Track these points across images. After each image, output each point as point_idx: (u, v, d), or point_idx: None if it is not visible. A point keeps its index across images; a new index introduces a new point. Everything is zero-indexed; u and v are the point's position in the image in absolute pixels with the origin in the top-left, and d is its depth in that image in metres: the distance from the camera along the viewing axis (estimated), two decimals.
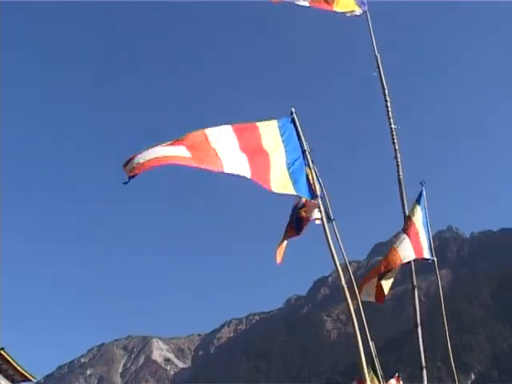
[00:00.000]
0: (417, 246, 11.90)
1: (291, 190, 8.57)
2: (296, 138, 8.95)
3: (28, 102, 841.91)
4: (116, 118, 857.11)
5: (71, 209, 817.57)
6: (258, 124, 8.61)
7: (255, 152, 8.32)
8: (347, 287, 8.32)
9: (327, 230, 8.67)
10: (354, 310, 8.05)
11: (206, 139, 7.93)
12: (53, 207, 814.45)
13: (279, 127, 8.81)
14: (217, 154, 7.86)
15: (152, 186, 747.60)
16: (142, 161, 7.47)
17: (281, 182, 8.47)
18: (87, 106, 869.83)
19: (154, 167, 7.54)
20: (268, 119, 8.87)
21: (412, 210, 12.04)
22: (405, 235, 11.87)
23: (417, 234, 11.93)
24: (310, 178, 8.94)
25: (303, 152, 8.92)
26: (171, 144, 7.72)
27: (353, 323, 7.73)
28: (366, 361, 7.61)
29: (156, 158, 7.54)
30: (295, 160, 8.80)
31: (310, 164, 8.93)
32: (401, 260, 11.76)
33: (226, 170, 7.86)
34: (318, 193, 8.95)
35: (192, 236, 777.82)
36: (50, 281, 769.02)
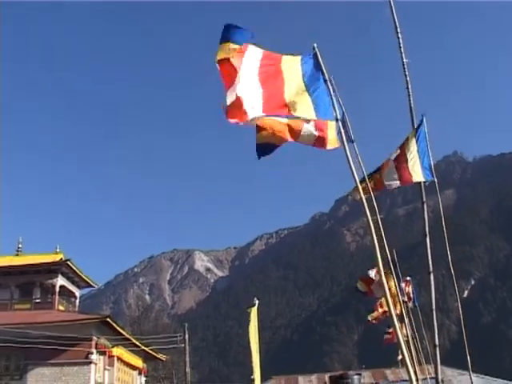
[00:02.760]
0: (404, 174, 12.08)
1: (311, 116, 8.50)
2: (317, 69, 8.79)
3: None
4: None
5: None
6: (284, 57, 8.48)
7: (272, 77, 8.24)
8: (367, 202, 8.42)
9: (348, 150, 8.66)
10: (374, 223, 8.21)
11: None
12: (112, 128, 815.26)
13: (301, 60, 8.69)
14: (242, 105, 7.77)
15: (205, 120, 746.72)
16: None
17: (300, 105, 8.40)
18: None
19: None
20: (293, 54, 8.75)
21: (407, 142, 12.13)
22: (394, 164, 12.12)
23: (405, 161, 12.03)
24: (332, 103, 8.82)
25: (325, 81, 8.78)
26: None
27: (370, 231, 7.91)
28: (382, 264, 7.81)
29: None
30: (317, 88, 8.65)
31: (331, 91, 8.82)
32: (383, 186, 12.12)
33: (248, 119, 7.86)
34: (339, 117, 8.87)
35: (226, 157, 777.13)
36: (108, 201, 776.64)
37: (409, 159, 11.90)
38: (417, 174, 11.94)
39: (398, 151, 12.02)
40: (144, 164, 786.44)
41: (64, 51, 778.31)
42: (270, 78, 8.26)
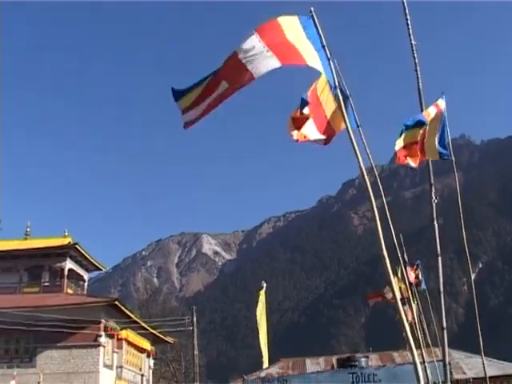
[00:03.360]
0: (420, 153, 11.88)
1: (321, 68, 8.23)
2: (316, 33, 8.50)
3: None
4: None
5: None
6: (280, 20, 8.09)
7: (281, 45, 7.89)
8: (371, 187, 8.31)
9: (350, 130, 8.42)
10: (379, 208, 8.13)
11: (237, 57, 7.67)
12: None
13: (301, 22, 8.37)
14: (247, 69, 7.62)
15: None
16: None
17: (314, 58, 8.20)
18: None
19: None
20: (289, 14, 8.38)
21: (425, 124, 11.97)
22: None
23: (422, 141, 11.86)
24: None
25: (323, 47, 8.48)
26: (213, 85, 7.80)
27: (374, 218, 7.86)
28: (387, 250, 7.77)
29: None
30: (318, 50, 8.39)
31: (329, 58, 8.54)
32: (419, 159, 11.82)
33: (257, 76, 7.63)
34: (337, 84, 8.64)
35: (232, 138, 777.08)
36: (116, 185, 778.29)
37: (426, 138, 11.78)
38: (431, 152, 11.82)
39: (420, 131, 11.81)
40: (150, 149, 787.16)
41: None
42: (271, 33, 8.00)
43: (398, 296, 7.76)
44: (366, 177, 8.30)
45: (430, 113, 11.77)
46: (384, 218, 7.90)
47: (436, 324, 11.66)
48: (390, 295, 21.83)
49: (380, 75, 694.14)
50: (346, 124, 8.43)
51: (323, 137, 8.61)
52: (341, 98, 8.53)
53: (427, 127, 11.65)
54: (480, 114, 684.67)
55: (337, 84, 8.66)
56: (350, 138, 8.39)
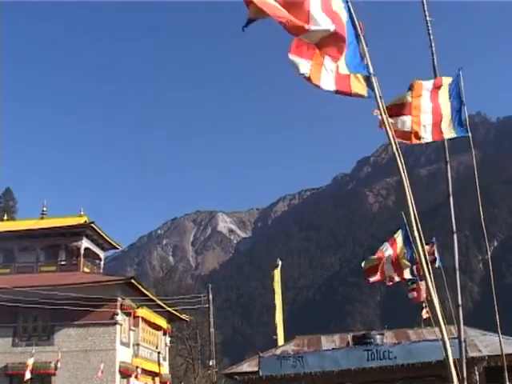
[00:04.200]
0: (435, 130, 11.74)
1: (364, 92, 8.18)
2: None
3: None
4: None
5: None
6: None
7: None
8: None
9: (381, 104, 8.23)
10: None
11: None
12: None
13: None
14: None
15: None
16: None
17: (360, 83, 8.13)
18: None
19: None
20: None
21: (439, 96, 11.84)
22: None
23: (439, 117, 11.73)
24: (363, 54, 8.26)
25: (353, 26, 8.15)
26: None
27: (404, 186, 7.75)
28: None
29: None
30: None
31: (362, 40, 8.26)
32: (418, 138, 11.68)
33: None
34: (371, 69, 8.32)
35: (248, 116, 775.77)
36: (132, 164, 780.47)
37: (443, 115, 11.67)
38: (448, 130, 11.73)
39: (431, 103, 11.69)
40: (167, 126, 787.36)
41: None
42: None
43: (428, 273, 7.70)
44: (396, 145, 8.03)
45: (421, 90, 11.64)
46: (402, 194, 7.80)
47: (451, 302, 11.64)
48: (393, 273, 21.60)
49: (391, 51, 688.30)
50: (376, 97, 8.20)
51: (333, 89, 8.06)
52: (377, 90, 8.29)
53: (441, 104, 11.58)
54: (496, 91, 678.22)
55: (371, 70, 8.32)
56: (381, 108, 8.16)
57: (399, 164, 7.51)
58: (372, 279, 21.93)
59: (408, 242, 18.39)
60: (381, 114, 8.19)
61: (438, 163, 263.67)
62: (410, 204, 7.40)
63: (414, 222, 7.46)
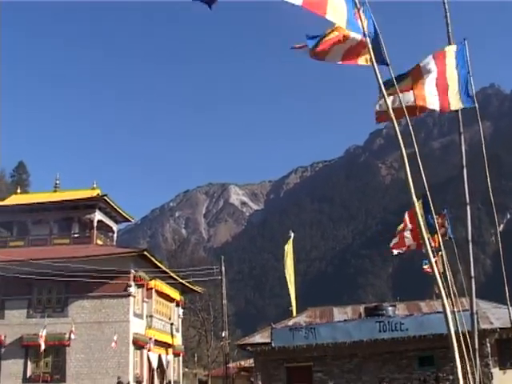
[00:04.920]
0: (443, 101, 11.59)
1: (342, 23, 8.04)
2: None
3: None
4: None
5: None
6: None
7: None
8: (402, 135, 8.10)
9: (377, 71, 8.17)
10: (411, 155, 7.97)
11: None
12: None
13: None
14: None
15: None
16: None
17: (338, 13, 7.93)
18: None
19: None
20: None
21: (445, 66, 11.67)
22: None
23: (445, 87, 11.56)
24: (359, 17, 8.23)
25: None
26: None
27: (403, 163, 7.76)
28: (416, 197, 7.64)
29: None
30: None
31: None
32: (425, 105, 11.50)
33: None
34: (366, 32, 8.33)
35: (260, 89, 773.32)
36: (144, 136, 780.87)
37: (449, 86, 11.51)
38: (455, 101, 11.57)
39: (435, 75, 11.52)
40: (180, 96, 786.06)
41: None
42: None
43: (429, 245, 7.71)
44: (395, 124, 8.05)
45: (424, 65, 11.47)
46: (414, 166, 7.75)
47: (463, 274, 11.63)
48: (412, 242, 21.77)
49: (405, 24, 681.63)
50: (372, 61, 8.12)
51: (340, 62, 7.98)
52: (372, 54, 8.23)
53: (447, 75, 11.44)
54: (510, 63, 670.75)
55: (366, 32, 8.34)
56: (376, 76, 8.04)
57: (401, 144, 7.47)
58: (396, 251, 22.23)
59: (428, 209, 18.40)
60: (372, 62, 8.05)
61: (451, 135, 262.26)
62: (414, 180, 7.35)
63: (415, 198, 7.41)
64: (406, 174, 7.43)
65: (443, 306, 7.21)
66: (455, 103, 11.47)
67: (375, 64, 8.09)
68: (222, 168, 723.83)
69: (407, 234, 21.72)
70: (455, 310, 14.47)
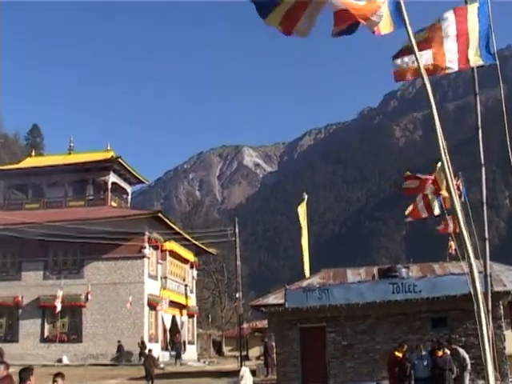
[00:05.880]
0: (462, 57, 11.24)
1: None
2: None
3: None
4: None
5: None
6: None
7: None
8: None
9: (409, 28, 7.72)
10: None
11: None
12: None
13: None
14: None
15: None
16: None
17: None
18: None
19: None
20: None
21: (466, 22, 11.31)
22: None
23: (465, 43, 11.22)
24: None
25: None
26: None
27: (433, 117, 7.59)
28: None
29: None
30: None
31: None
32: (444, 64, 11.15)
33: None
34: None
35: (274, 50, 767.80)
36: (157, 99, 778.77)
37: (470, 42, 11.17)
38: (475, 58, 11.23)
39: (455, 31, 11.18)
40: (192, 56, 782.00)
41: None
42: None
43: (457, 203, 7.54)
44: (425, 75, 7.71)
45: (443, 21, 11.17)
46: (430, 128, 7.59)
47: (477, 236, 11.60)
48: (424, 211, 21.72)
49: None
50: (408, 34, 7.75)
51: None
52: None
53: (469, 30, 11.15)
54: None
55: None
56: (411, 42, 7.79)
57: (431, 99, 7.34)
58: (408, 219, 22.30)
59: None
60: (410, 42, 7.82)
61: (467, 97, 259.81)
62: (440, 138, 7.25)
63: (444, 156, 7.29)
64: (436, 133, 7.21)
65: (470, 266, 7.16)
66: (475, 59, 11.14)
67: (406, 20, 7.74)
68: (235, 130, 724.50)
69: (420, 202, 21.67)
70: (467, 272, 14.48)
